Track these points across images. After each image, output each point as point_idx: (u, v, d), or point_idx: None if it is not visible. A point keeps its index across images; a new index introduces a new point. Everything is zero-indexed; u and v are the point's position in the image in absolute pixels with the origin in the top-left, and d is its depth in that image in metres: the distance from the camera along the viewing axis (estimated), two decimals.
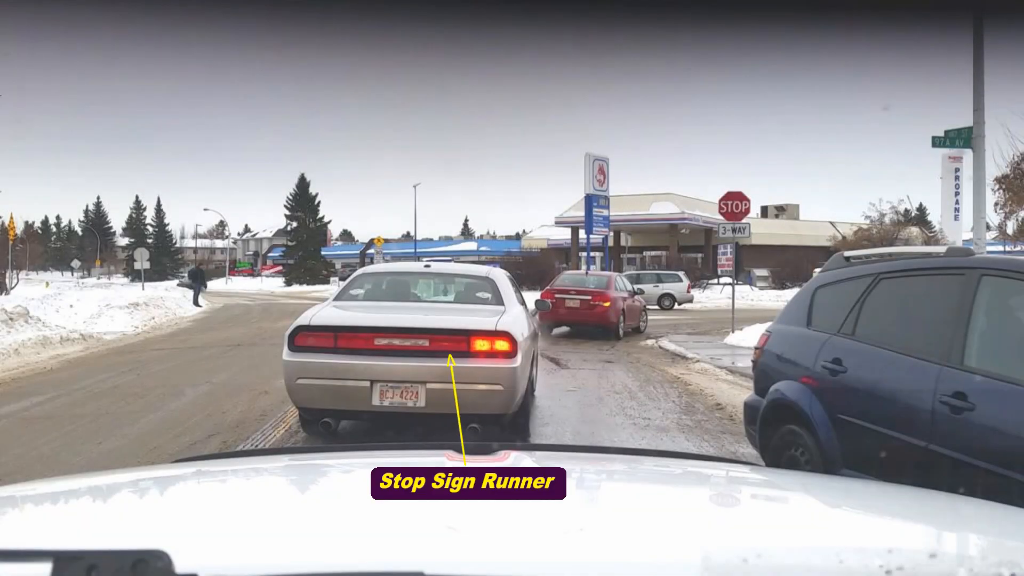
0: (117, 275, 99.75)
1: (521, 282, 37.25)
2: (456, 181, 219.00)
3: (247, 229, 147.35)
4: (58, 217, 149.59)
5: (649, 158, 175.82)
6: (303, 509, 1.50)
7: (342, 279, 68.90)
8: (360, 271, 8.39)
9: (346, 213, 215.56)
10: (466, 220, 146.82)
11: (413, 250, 61.46)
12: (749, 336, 15.92)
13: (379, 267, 9.53)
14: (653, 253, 55.69)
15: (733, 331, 16.88)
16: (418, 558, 1.02)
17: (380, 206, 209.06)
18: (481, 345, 6.07)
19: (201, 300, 31.60)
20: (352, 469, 1.86)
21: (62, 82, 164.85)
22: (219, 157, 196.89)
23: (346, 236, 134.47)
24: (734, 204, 16.46)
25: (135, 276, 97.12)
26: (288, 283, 75.06)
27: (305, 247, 76.27)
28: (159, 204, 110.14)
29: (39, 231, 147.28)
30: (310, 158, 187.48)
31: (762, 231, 52.90)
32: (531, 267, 45.03)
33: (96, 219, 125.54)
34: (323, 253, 79.93)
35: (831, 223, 63.28)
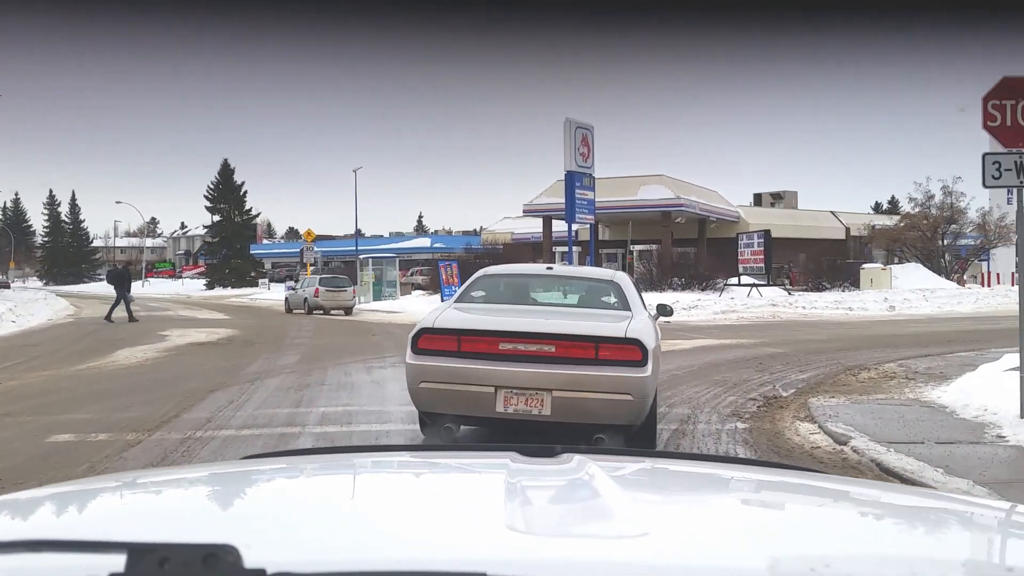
0: (32, 278, 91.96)
1: None
2: (411, 177, 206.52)
3: (183, 226, 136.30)
4: None
5: (625, 142, 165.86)
6: (369, 507, 1.47)
7: (273, 281, 60.97)
8: (481, 272, 7.90)
9: (293, 210, 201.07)
10: (420, 216, 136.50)
11: (355, 247, 51.48)
12: None
13: (500, 268, 8.75)
14: (641, 247, 46.59)
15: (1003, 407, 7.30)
16: (481, 557, 1.04)
17: (330, 203, 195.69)
18: (610, 353, 5.80)
19: (120, 311, 23.09)
20: (419, 469, 1.87)
21: None
22: (152, 151, 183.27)
23: (293, 234, 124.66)
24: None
25: (49, 279, 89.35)
26: (210, 285, 65.45)
27: (230, 244, 65.91)
28: (73, 199, 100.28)
29: None
30: (251, 151, 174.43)
31: (758, 221, 44.52)
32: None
33: (15, 217, 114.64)
34: (252, 251, 69.50)
35: (832, 212, 56.32)
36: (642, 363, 5.72)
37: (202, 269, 75.29)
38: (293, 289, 32.91)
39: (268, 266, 69.18)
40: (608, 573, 1.03)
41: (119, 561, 0.89)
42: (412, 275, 50.08)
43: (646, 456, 2.36)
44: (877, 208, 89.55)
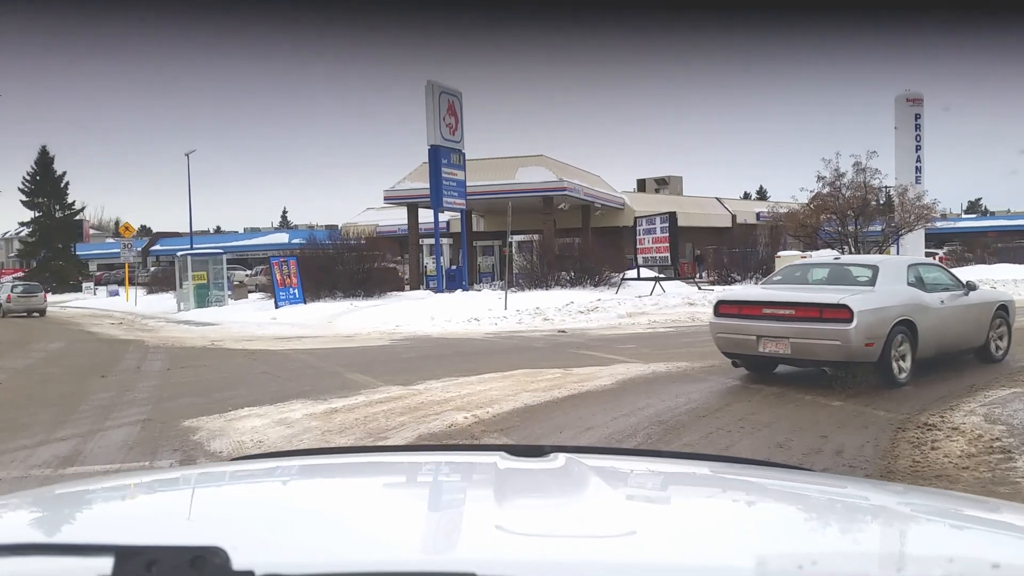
0: None
1: (335, 285, 21.33)
2: (274, 171, 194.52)
3: (20, 226, 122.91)
4: None
5: (499, 126, 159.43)
6: (358, 507, 1.46)
7: (101, 284, 53.12)
8: (788, 264, 12.04)
9: (145, 207, 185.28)
10: (284, 212, 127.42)
11: (189, 245, 44.29)
12: None
13: (801, 261, 12.04)
14: (520, 238, 41.41)
15: None
16: (470, 557, 1.05)
17: (186, 200, 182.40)
18: (828, 313, 8.61)
19: None
20: (408, 469, 1.85)
21: None
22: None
23: (143, 232, 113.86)
24: None
25: None
26: None
27: (49, 244, 57.01)
28: None
29: None
30: (102, 146, 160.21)
31: (644, 208, 40.26)
32: (349, 263, 28.54)
33: None
34: (80, 252, 60.71)
35: (718, 199, 53.60)
36: (848, 320, 8.39)
37: (21, 273, 65.73)
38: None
39: (93, 268, 60.53)
40: (596, 572, 1.03)
41: (106, 564, 0.88)
42: (257, 274, 43.41)
43: (634, 455, 2.39)
44: (746, 196, 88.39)
